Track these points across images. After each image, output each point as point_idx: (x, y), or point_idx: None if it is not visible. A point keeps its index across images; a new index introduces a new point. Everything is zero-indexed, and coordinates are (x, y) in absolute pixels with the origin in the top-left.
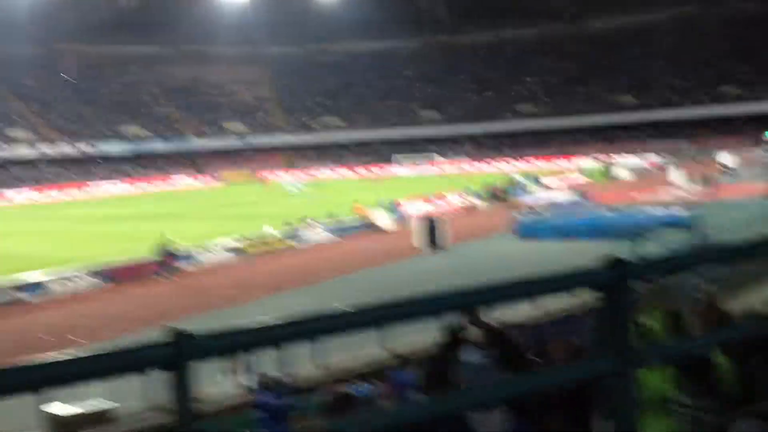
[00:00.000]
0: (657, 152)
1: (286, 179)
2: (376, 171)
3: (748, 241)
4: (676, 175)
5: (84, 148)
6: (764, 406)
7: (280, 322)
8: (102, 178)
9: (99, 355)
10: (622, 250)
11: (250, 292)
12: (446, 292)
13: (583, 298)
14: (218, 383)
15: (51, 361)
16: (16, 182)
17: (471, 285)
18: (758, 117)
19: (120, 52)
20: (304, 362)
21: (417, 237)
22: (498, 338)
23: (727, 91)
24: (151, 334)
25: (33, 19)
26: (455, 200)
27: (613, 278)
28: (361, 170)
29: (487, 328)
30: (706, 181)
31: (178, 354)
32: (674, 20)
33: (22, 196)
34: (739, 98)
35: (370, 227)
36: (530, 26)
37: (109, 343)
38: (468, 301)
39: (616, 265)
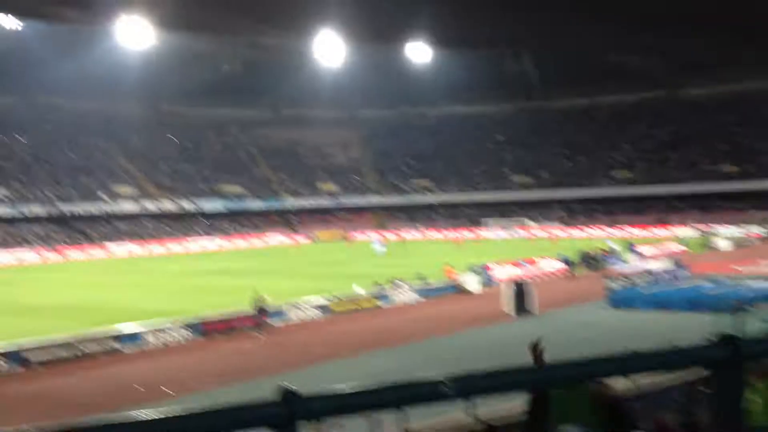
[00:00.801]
0: (758, 223)
1: (374, 239)
2: (465, 234)
3: None
4: None
5: (184, 204)
6: None
7: (387, 386)
8: (200, 235)
9: (208, 412)
10: (722, 324)
11: (337, 350)
12: (551, 365)
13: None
14: None
15: (157, 417)
16: (119, 236)
17: (573, 358)
18: None
19: (221, 114)
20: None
21: (505, 301)
22: (615, 411)
23: None
24: (244, 390)
25: (141, 81)
26: (546, 266)
27: (725, 356)
28: (450, 233)
29: (610, 401)
30: None
31: (289, 414)
32: None
33: (123, 249)
34: None
35: (459, 290)
36: (624, 92)
37: (203, 396)
38: (570, 374)
39: (729, 342)
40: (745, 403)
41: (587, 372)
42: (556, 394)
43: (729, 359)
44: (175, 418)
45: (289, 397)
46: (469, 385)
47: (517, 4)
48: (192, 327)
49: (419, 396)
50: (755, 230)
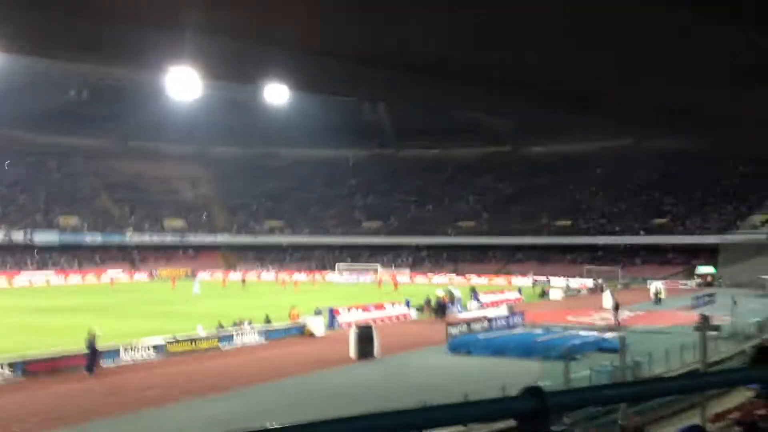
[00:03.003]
0: (591, 276)
1: (196, 280)
2: (314, 277)
3: (671, 377)
4: (607, 300)
5: (15, 236)
6: None
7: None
8: (35, 269)
9: None
10: (552, 370)
11: (171, 393)
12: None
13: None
14: None
15: None
16: None
17: (389, 409)
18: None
19: (64, 142)
20: None
21: (350, 345)
22: None
23: (657, 222)
24: None
25: None
26: (392, 310)
27: (531, 408)
28: (299, 275)
29: None
30: (616, 308)
31: None
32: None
33: None
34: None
35: (303, 332)
36: (471, 146)
37: None
38: (385, 424)
39: (535, 394)
40: None
41: (392, 426)
42: None
43: (534, 410)
44: None
45: None
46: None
47: (374, 60)
48: (14, 366)
49: None
50: (587, 283)
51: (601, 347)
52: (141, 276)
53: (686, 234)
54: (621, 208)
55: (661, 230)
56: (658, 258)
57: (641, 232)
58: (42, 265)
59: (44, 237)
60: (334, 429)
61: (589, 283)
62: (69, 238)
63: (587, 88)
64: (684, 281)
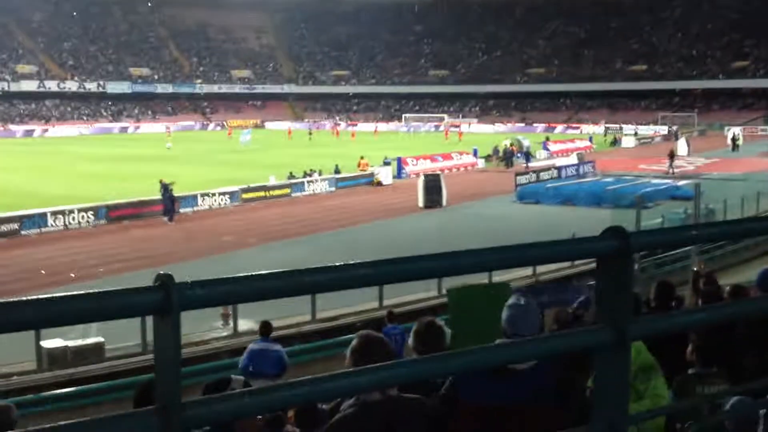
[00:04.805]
0: (666, 122)
1: (243, 132)
2: (382, 127)
3: (749, 218)
4: (683, 147)
5: (89, 86)
6: (754, 384)
7: (272, 273)
8: (110, 119)
9: (86, 296)
10: (623, 218)
11: (246, 239)
12: (440, 255)
13: (576, 265)
14: (215, 327)
15: (34, 299)
16: (21, 117)
17: (469, 249)
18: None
19: None
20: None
21: (418, 194)
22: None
23: (737, 65)
24: (148, 277)
25: None
26: (460, 160)
27: (613, 248)
28: (365, 125)
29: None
30: (671, 156)
31: (167, 301)
32: None
33: (25, 130)
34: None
35: (372, 182)
36: None
37: (106, 282)
38: (462, 263)
39: (617, 235)
40: (632, 293)
41: (486, 262)
42: (453, 291)
43: (617, 250)
44: (46, 301)
45: (168, 284)
46: (380, 272)
47: None
48: (98, 211)
49: (309, 285)
50: (661, 130)
51: (674, 195)
52: (214, 127)
53: (767, 78)
54: (699, 50)
55: (741, 73)
56: (737, 103)
57: (720, 76)
58: (116, 116)
59: (116, 87)
60: (422, 265)
61: (664, 130)
62: (141, 88)
63: None
64: (763, 127)
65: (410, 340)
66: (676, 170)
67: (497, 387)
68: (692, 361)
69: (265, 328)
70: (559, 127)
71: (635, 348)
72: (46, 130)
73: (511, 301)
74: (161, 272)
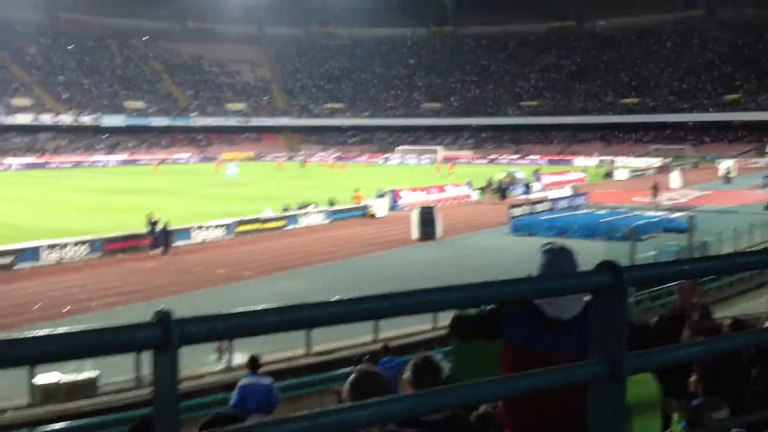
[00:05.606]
0: (658, 155)
1: (231, 164)
2: (375, 160)
3: (743, 252)
4: (675, 180)
5: (83, 119)
6: (751, 417)
7: (270, 308)
8: (105, 152)
9: (85, 332)
10: (617, 251)
11: (240, 272)
12: (437, 289)
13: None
14: (210, 362)
15: (32, 336)
16: (15, 150)
17: (466, 283)
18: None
19: (123, 24)
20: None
21: (412, 226)
22: None
23: (728, 98)
24: (142, 311)
25: None
26: (454, 192)
27: (607, 283)
28: (360, 158)
29: None
30: (655, 189)
31: (165, 337)
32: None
33: (19, 164)
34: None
35: (366, 214)
36: (534, 21)
37: (100, 316)
38: (456, 298)
39: (611, 269)
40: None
41: (479, 297)
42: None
43: (611, 285)
44: (44, 338)
45: (167, 320)
46: (379, 306)
47: None
48: (93, 245)
49: (307, 320)
50: (653, 162)
51: (667, 227)
52: (209, 159)
53: (758, 110)
54: (690, 83)
55: (732, 106)
56: (728, 135)
57: (711, 109)
58: (111, 149)
59: (111, 120)
60: (418, 299)
61: (656, 162)
62: (135, 121)
63: None
64: (755, 159)
65: (407, 374)
66: (662, 202)
67: (544, 335)
68: (696, 391)
69: (253, 363)
70: (551, 159)
71: (640, 380)
72: (42, 164)
73: (546, 247)
74: (161, 307)
